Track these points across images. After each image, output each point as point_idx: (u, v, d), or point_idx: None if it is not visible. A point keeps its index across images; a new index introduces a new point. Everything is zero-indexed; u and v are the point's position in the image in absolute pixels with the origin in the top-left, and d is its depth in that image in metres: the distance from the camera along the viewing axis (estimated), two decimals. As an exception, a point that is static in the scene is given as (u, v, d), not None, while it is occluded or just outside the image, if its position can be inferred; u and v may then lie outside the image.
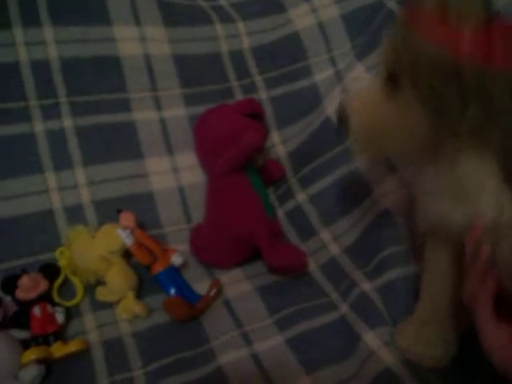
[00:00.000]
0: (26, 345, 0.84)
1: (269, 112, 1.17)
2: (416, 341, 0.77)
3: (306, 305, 0.93)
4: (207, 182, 1.07)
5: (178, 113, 1.12)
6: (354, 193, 1.02)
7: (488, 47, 0.53)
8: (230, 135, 1.01)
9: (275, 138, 1.18)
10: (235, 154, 0.98)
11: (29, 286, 0.88)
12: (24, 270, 0.90)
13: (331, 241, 1.04)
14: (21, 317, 0.87)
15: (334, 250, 1.03)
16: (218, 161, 1.00)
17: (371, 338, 0.84)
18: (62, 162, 1.01)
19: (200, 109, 1.12)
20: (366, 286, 0.92)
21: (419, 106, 0.59)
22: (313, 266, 1.03)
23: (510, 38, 0.53)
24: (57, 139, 1.01)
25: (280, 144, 1.17)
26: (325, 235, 1.05)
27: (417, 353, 0.77)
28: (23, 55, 1.01)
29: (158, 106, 1.10)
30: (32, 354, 0.81)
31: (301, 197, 1.10)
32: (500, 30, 0.53)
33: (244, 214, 0.97)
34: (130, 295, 0.92)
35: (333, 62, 1.18)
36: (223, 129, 1.02)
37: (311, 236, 1.07)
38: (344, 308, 0.92)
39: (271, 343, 0.87)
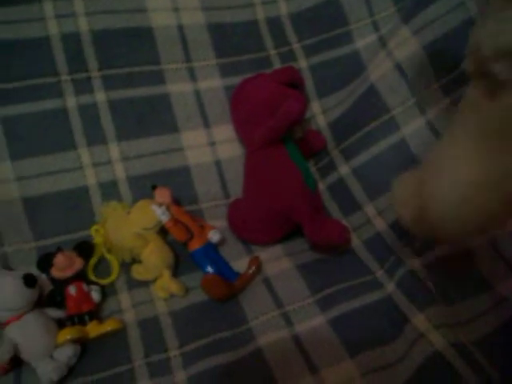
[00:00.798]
0: (61, 324, 0.83)
1: (308, 81, 1.12)
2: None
3: (350, 283, 0.89)
4: (245, 155, 1.04)
5: (213, 84, 1.08)
6: (400, 165, 0.95)
7: None
8: (268, 105, 0.96)
9: (315, 107, 1.12)
10: (274, 125, 0.93)
11: (64, 265, 0.86)
12: (59, 248, 0.88)
13: (376, 215, 0.98)
14: (56, 295, 0.86)
15: (379, 225, 0.97)
16: (255, 132, 0.95)
17: (419, 321, 0.80)
18: (96, 138, 0.99)
19: (236, 79, 1.08)
20: (415, 263, 0.87)
21: None
22: (356, 242, 0.99)
23: None
24: (89, 114, 0.99)
25: (320, 114, 1.12)
26: (369, 210, 1.00)
27: None
28: (53, 29, 0.99)
29: (193, 77, 1.06)
30: (67, 334, 0.80)
31: (343, 169, 1.05)
32: None
33: (283, 188, 0.93)
34: (167, 273, 0.90)
35: (376, 26, 1.11)
36: (261, 98, 0.98)
37: (354, 210, 1.02)
38: (390, 287, 0.88)
39: (313, 324, 0.83)
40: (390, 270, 0.90)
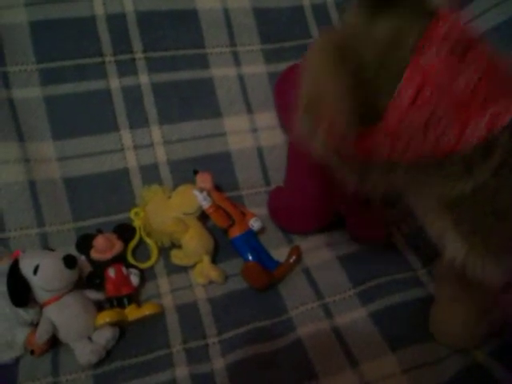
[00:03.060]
0: (100, 306, 0.83)
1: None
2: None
3: (391, 277, 0.87)
4: (288, 142, 1.01)
5: (257, 69, 1.06)
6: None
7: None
8: (315, 92, 0.93)
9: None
10: None
11: (104, 247, 0.86)
12: (99, 230, 0.88)
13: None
14: (95, 277, 0.85)
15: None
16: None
17: None
18: (138, 120, 0.98)
19: (280, 66, 1.06)
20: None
21: None
22: (398, 236, 0.96)
23: None
24: (132, 96, 0.98)
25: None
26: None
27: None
28: (99, 9, 0.99)
29: (237, 61, 1.05)
30: (106, 317, 0.79)
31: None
32: None
33: (328, 177, 0.91)
34: (206, 259, 0.89)
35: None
36: None
37: (396, 203, 0.98)
38: (431, 288, 0.85)
39: (353, 316, 0.81)
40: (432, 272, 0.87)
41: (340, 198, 0.91)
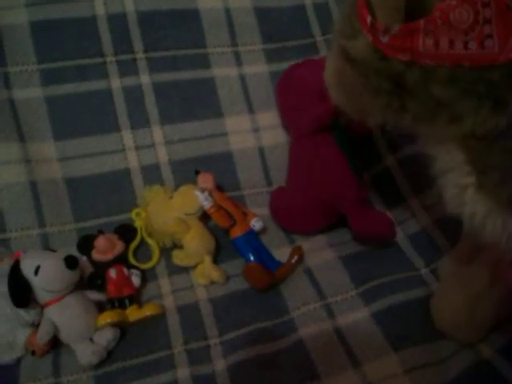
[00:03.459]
0: (101, 307, 0.83)
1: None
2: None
3: (394, 277, 0.86)
4: (290, 142, 1.01)
5: (259, 69, 1.06)
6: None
7: (412, 44, 0.49)
8: (317, 92, 0.93)
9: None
10: (322, 112, 0.91)
11: (105, 248, 0.85)
12: (100, 231, 0.88)
13: (421, 209, 0.95)
14: (97, 278, 0.85)
15: (424, 220, 0.94)
16: (303, 118, 0.93)
17: None
18: (139, 120, 0.98)
19: (282, 65, 1.05)
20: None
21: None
22: (400, 236, 0.95)
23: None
24: (134, 96, 0.98)
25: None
26: (414, 203, 0.96)
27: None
28: (100, 9, 0.98)
29: (239, 61, 1.04)
30: (107, 318, 0.79)
31: (389, 160, 1.01)
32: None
33: (330, 177, 0.91)
34: (207, 260, 0.88)
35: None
36: (310, 84, 0.95)
37: (399, 203, 0.98)
38: (434, 287, 0.85)
39: (356, 317, 0.81)
40: (435, 271, 0.87)
41: (343, 197, 0.90)
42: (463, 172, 0.57)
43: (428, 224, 0.93)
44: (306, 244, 0.94)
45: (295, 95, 0.97)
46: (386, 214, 0.95)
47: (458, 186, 0.58)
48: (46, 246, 0.88)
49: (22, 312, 0.77)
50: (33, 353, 0.76)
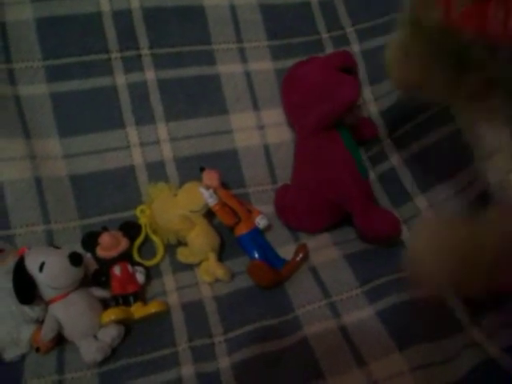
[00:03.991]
0: (105, 304, 0.83)
1: (360, 66, 1.08)
2: None
3: (398, 275, 0.85)
4: (295, 140, 1.01)
5: (264, 66, 1.05)
6: (453, 156, 0.91)
7: (481, 17, 0.48)
8: (322, 89, 0.93)
9: (367, 94, 1.09)
10: (328, 110, 0.91)
11: (109, 245, 0.85)
12: (105, 228, 0.88)
13: (427, 208, 0.94)
14: (101, 275, 0.85)
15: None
16: (308, 116, 0.93)
17: (476, 333, 0.76)
18: (144, 117, 0.98)
19: (287, 62, 1.05)
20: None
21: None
22: (406, 234, 0.94)
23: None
24: (139, 93, 0.98)
25: (372, 101, 1.09)
26: (420, 202, 0.95)
27: None
28: (105, 5, 0.98)
29: (244, 58, 1.04)
30: (112, 315, 0.79)
31: (395, 159, 1.01)
32: None
33: (336, 175, 0.90)
34: (212, 257, 0.88)
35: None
36: (315, 82, 0.94)
37: (405, 202, 0.98)
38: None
39: (361, 315, 0.80)
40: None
41: (349, 195, 0.90)
42: (510, 154, 0.56)
43: None
44: (311, 242, 0.93)
45: (300, 93, 0.96)
46: (392, 212, 0.94)
47: (503, 169, 0.57)
48: (51, 242, 0.88)
49: (26, 309, 0.77)
50: (37, 349, 0.76)
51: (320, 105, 0.92)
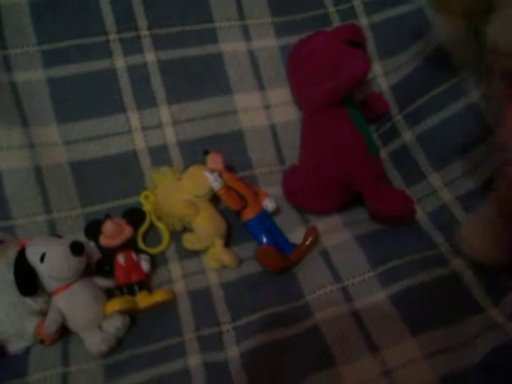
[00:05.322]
0: (110, 294, 0.81)
1: (369, 40, 1.04)
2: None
3: (412, 257, 0.82)
4: (302, 118, 0.97)
5: (268, 44, 1.01)
6: (468, 132, 0.87)
7: None
8: (330, 65, 0.90)
9: (376, 69, 1.05)
10: (337, 85, 0.87)
11: (113, 232, 0.83)
12: (108, 215, 0.85)
13: (442, 186, 0.90)
14: (105, 264, 0.83)
15: (446, 196, 0.90)
16: (315, 92, 0.89)
17: (495, 314, 0.73)
18: (145, 100, 0.95)
19: (292, 39, 1.01)
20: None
21: None
22: (420, 214, 0.91)
23: None
24: (139, 75, 0.95)
25: (382, 76, 1.05)
26: (435, 180, 0.92)
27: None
28: (102, -15, 0.94)
29: (247, 36, 1.00)
30: (116, 305, 0.77)
31: (407, 136, 0.97)
32: None
33: (345, 153, 0.87)
34: (219, 243, 0.86)
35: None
36: (322, 57, 0.91)
37: (418, 180, 0.94)
38: (456, 263, 0.80)
39: (373, 299, 0.78)
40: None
41: (359, 174, 0.87)
42: None
43: (450, 200, 0.89)
44: (321, 224, 0.90)
45: (307, 69, 0.93)
46: (405, 191, 0.90)
47: None
48: (53, 232, 0.87)
49: (29, 300, 0.76)
50: (41, 341, 0.75)
51: (328, 80, 0.89)
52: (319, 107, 0.90)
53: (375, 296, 0.78)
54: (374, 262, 0.82)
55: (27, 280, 0.75)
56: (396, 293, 0.77)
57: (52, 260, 0.75)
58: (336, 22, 1.04)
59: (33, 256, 0.75)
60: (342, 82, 0.87)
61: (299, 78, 0.95)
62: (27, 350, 0.76)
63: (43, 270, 0.75)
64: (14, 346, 0.76)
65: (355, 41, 0.96)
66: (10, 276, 0.74)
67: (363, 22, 1.06)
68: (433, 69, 0.96)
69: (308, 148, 0.93)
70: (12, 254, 0.77)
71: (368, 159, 0.88)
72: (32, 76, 0.91)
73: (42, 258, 0.75)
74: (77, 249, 0.76)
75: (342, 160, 0.87)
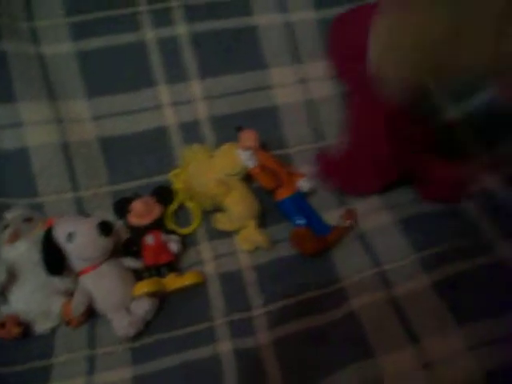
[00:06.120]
0: (138, 275, 0.79)
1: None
2: None
3: (457, 244, 0.78)
4: (347, 94, 0.94)
5: (306, 16, 0.98)
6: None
7: None
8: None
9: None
10: None
11: (142, 211, 0.80)
12: (136, 194, 0.83)
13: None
14: (133, 245, 0.80)
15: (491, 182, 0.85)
16: (362, 68, 0.84)
17: None
18: (176, 74, 0.92)
19: (332, 12, 0.97)
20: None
21: None
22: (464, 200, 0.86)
23: None
24: (170, 48, 0.93)
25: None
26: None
27: None
28: (132, -45, 0.92)
29: (284, 8, 0.97)
30: (144, 287, 0.75)
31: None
32: None
33: (406, 126, 0.81)
34: (252, 224, 0.82)
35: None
36: (368, 31, 0.85)
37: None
38: (504, 249, 0.76)
39: (414, 286, 0.74)
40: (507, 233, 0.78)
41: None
42: None
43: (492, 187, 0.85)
44: (360, 206, 0.87)
45: (352, 44, 0.88)
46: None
47: None
48: (81, 209, 0.86)
49: (56, 280, 0.74)
50: (67, 323, 0.74)
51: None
52: (367, 82, 0.84)
53: (417, 282, 0.74)
54: (417, 246, 0.79)
55: (54, 260, 0.73)
56: (439, 280, 0.74)
57: (79, 240, 0.73)
58: (375, -5, 0.99)
59: (60, 235, 0.74)
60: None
61: (343, 53, 0.92)
62: (53, 331, 0.75)
63: (70, 250, 0.73)
64: (40, 327, 0.75)
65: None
66: (36, 255, 0.73)
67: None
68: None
69: (355, 125, 0.88)
70: (39, 232, 0.76)
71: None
72: (60, 49, 0.89)
73: (70, 238, 0.73)
74: (105, 229, 0.74)
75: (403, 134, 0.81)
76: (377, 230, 0.83)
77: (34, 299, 0.75)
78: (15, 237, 0.77)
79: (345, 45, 0.92)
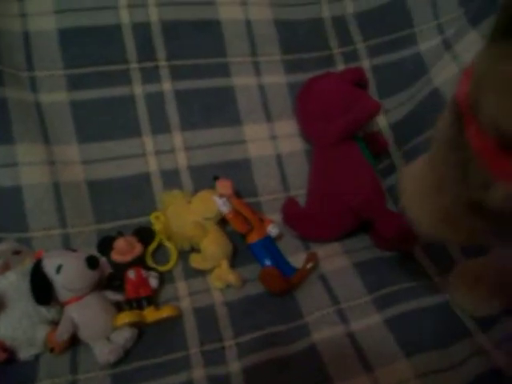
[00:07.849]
0: (119, 307, 0.84)
1: (370, 81, 1.10)
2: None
3: (407, 285, 0.86)
4: (313, 151, 1.03)
5: (277, 79, 1.08)
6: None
7: None
8: (343, 102, 0.96)
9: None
10: (353, 120, 0.94)
11: (124, 249, 0.86)
12: (120, 233, 0.89)
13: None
14: (116, 279, 0.86)
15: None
16: (328, 128, 0.96)
17: (484, 341, 0.77)
18: (160, 126, 1.00)
19: (300, 77, 1.08)
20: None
21: None
22: (415, 246, 0.95)
23: None
24: (155, 103, 1.00)
25: (381, 115, 1.11)
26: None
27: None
28: (125, 17, 1.01)
29: (258, 71, 1.07)
30: (126, 318, 0.80)
31: (405, 171, 1.01)
32: None
33: (360, 183, 0.92)
34: (224, 264, 0.89)
35: (440, 29, 1.08)
36: (335, 95, 0.98)
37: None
38: (448, 295, 0.84)
39: (368, 322, 0.81)
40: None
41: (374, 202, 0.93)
42: None
43: None
44: (321, 250, 0.95)
45: (319, 106, 0.99)
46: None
47: None
48: (67, 246, 0.90)
49: (43, 309, 0.78)
50: (51, 350, 0.77)
51: (341, 116, 0.95)
52: (333, 141, 0.95)
53: (370, 319, 0.81)
54: (370, 287, 0.86)
55: (43, 289, 0.77)
56: (390, 317, 0.81)
57: (68, 272, 0.78)
58: (340, 63, 1.11)
59: (49, 267, 0.78)
60: (358, 116, 0.94)
61: (310, 114, 1.01)
62: (36, 358, 0.78)
63: (58, 281, 0.78)
64: (24, 353, 0.78)
65: (360, 82, 1.03)
66: (25, 285, 0.77)
67: (365, 64, 1.13)
68: (429, 110, 1.01)
69: (320, 178, 0.98)
70: (28, 264, 0.80)
71: (381, 188, 0.95)
72: (56, 98, 0.96)
73: (59, 270, 0.78)
74: (92, 262, 0.80)
75: (361, 192, 0.92)
76: (336, 272, 0.90)
77: (21, 326, 0.77)
78: (5, 268, 0.81)
79: (310, 107, 1.02)
